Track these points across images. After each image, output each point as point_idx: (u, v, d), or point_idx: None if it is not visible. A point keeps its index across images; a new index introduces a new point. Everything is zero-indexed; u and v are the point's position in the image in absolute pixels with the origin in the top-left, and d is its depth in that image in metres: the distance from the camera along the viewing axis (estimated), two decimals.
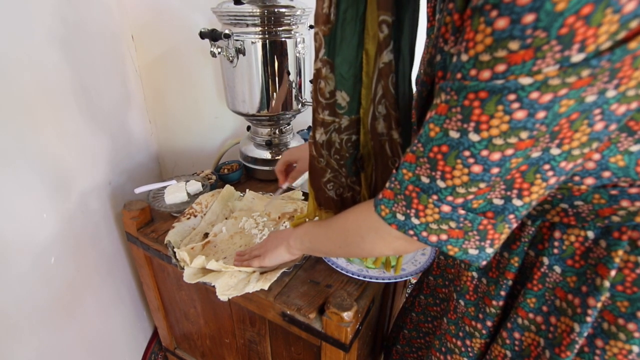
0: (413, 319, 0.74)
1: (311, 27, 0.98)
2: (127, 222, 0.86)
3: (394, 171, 0.39)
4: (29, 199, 0.72)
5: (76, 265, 0.87)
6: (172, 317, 1.04)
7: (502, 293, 0.49)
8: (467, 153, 0.31)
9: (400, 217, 0.38)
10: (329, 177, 0.55)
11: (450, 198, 0.34)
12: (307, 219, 0.63)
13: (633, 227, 0.37)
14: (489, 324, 0.51)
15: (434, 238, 0.37)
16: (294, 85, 0.95)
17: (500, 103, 0.28)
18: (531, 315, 0.47)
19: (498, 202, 0.34)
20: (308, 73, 1.00)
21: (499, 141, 0.30)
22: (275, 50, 0.88)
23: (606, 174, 0.36)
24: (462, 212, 0.35)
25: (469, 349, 0.55)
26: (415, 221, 0.37)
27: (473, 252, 0.37)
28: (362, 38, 0.44)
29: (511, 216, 0.35)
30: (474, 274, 0.52)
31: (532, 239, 0.45)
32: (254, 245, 0.72)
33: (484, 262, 0.38)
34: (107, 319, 1.02)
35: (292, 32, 0.89)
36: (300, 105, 1.00)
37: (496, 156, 0.31)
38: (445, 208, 0.35)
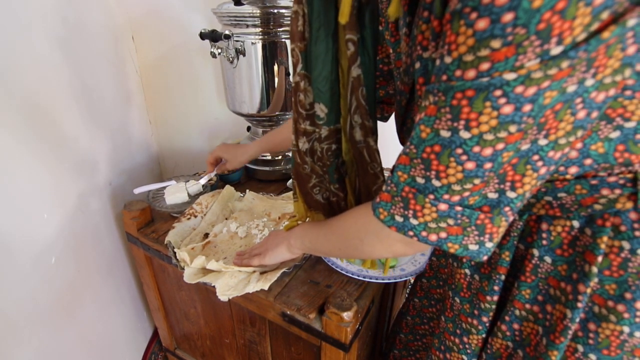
0: (409, 322, 0.74)
1: None
2: (127, 223, 0.86)
3: (390, 174, 0.40)
4: (30, 199, 0.73)
5: (76, 265, 0.87)
6: (172, 318, 1.04)
7: (496, 288, 0.49)
8: (459, 150, 0.32)
9: (399, 218, 0.39)
10: (315, 182, 0.56)
11: (446, 196, 0.35)
12: (299, 222, 0.64)
13: (615, 214, 0.39)
14: (484, 319, 0.52)
15: (433, 237, 0.37)
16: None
17: (488, 99, 0.29)
18: (528, 306, 0.48)
19: (492, 195, 0.35)
20: None
21: (489, 136, 0.31)
22: (275, 51, 0.88)
23: (588, 161, 0.37)
24: (459, 208, 0.35)
25: (467, 346, 0.55)
26: (414, 222, 0.38)
27: (473, 247, 0.38)
28: (336, 54, 0.46)
29: (507, 209, 0.36)
30: (467, 271, 0.53)
31: (521, 233, 0.46)
32: (254, 245, 0.72)
33: (485, 257, 0.38)
34: (108, 319, 1.02)
35: None
36: None
37: (488, 151, 0.31)
38: (442, 206, 0.35)
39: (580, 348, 0.44)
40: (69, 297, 0.85)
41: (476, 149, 0.31)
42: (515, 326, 0.50)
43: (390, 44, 0.52)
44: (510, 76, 0.28)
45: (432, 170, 0.34)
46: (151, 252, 0.84)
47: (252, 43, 0.86)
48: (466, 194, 0.34)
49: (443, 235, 0.37)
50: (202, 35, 0.85)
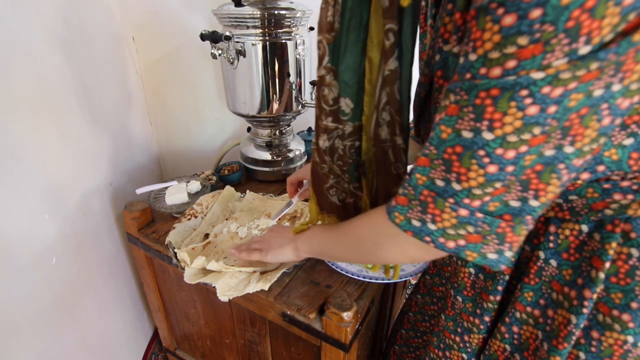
0: (410, 318, 0.74)
1: (311, 28, 0.99)
2: (128, 223, 0.86)
3: (407, 177, 0.39)
4: (31, 199, 0.73)
5: (77, 265, 0.87)
6: (172, 318, 1.04)
7: (499, 288, 0.49)
8: (481, 152, 0.31)
9: (416, 223, 0.38)
10: (332, 182, 0.54)
11: (467, 201, 0.34)
12: (310, 225, 0.63)
13: (625, 220, 0.38)
14: (486, 319, 0.52)
15: (451, 244, 0.36)
16: (294, 86, 0.96)
17: (513, 99, 0.28)
18: (529, 309, 0.48)
19: (515, 204, 0.34)
20: (308, 74, 1.01)
21: (513, 138, 0.30)
22: (275, 52, 0.89)
23: (600, 167, 0.37)
24: (479, 215, 0.34)
25: (467, 345, 0.55)
26: (432, 227, 0.36)
27: (492, 256, 0.37)
28: (365, 46, 0.44)
29: (528, 217, 0.35)
30: (471, 270, 0.53)
31: (527, 234, 0.46)
32: (254, 238, 0.71)
33: (504, 267, 0.37)
34: (108, 320, 1.02)
35: (292, 34, 0.90)
36: (300, 107, 1.00)
37: (511, 154, 0.31)
38: (463, 212, 0.34)
39: (582, 355, 0.44)
40: (69, 297, 0.85)
41: (499, 151, 0.30)
42: (515, 329, 0.49)
43: (419, 35, 0.50)
44: (538, 75, 0.27)
45: (452, 173, 0.34)
46: (151, 252, 0.84)
47: (253, 44, 0.87)
48: (487, 198, 0.33)
49: (462, 242, 0.36)
50: (203, 37, 0.85)
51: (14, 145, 0.68)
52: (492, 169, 0.31)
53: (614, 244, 0.39)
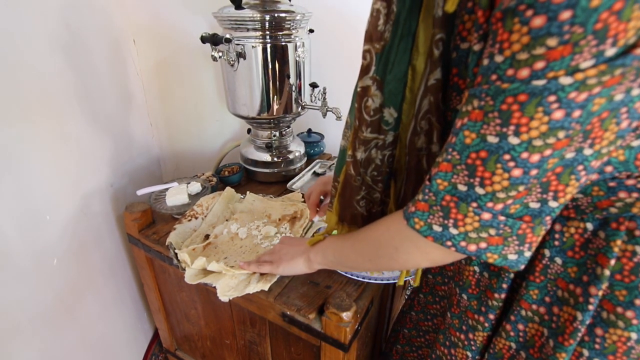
0: (412, 318, 0.75)
1: (311, 31, 1.00)
2: (128, 224, 0.87)
3: (427, 182, 0.39)
4: (32, 200, 0.73)
5: (78, 266, 0.88)
6: (172, 318, 1.04)
7: (504, 286, 0.50)
8: (507, 157, 0.32)
9: (437, 228, 0.38)
10: (363, 194, 0.53)
11: (490, 204, 0.34)
12: (325, 235, 0.62)
13: (630, 218, 0.39)
14: (491, 317, 0.52)
15: (472, 247, 0.37)
16: (294, 88, 0.96)
17: (541, 105, 0.29)
18: (534, 307, 0.48)
19: (534, 205, 0.35)
20: (308, 76, 1.01)
21: (538, 142, 0.30)
22: (275, 54, 0.89)
23: (608, 168, 0.37)
24: (501, 218, 0.35)
25: (472, 343, 0.55)
26: (454, 231, 0.37)
27: (512, 257, 0.37)
28: (411, 54, 0.43)
29: (547, 218, 0.36)
30: (476, 268, 0.53)
31: None
32: (265, 252, 0.71)
33: (522, 267, 0.38)
34: (108, 320, 1.03)
35: (292, 37, 0.90)
36: (300, 108, 1.01)
37: (535, 158, 0.31)
38: (486, 215, 0.35)
39: (586, 352, 0.44)
40: (70, 297, 0.86)
41: (524, 155, 0.31)
42: (520, 327, 0.50)
43: None
44: (566, 81, 0.27)
45: (476, 177, 0.34)
46: (152, 253, 0.85)
47: (253, 46, 0.87)
48: (509, 201, 0.34)
49: (483, 245, 0.36)
50: (203, 39, 0.86)
51: (15, 146, 0.69)
52: (516, 172, 0.32)
53: (618, 242, 0.39)
